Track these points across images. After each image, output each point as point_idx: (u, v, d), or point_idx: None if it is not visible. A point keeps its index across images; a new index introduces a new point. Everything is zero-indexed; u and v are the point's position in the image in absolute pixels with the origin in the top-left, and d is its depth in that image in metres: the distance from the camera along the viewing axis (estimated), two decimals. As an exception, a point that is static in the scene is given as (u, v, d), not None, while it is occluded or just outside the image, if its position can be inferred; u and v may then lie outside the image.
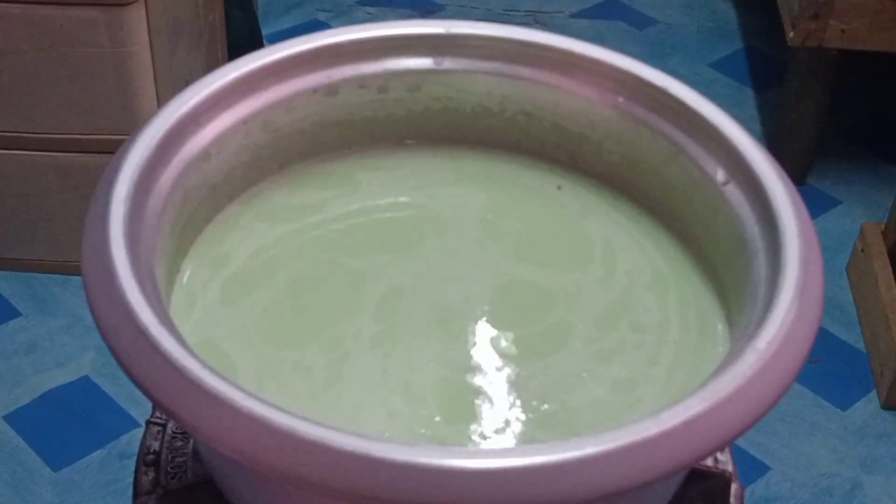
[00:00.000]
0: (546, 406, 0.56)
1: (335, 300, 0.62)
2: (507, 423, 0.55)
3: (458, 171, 0.69)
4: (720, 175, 0.61)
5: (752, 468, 1.22)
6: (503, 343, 0.59)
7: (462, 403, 0.56)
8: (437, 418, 0.55)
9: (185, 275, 0.62)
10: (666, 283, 0.62)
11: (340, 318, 0.60)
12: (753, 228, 0.58)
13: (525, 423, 0.55)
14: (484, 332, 0.60)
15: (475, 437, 0.55)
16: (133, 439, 1.21)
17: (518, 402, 0.56)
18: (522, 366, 0.58)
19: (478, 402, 0.56)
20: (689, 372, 0.58)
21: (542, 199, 0.68)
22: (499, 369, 0.58)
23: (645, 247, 0.65)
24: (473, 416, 0.56)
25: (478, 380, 0.57)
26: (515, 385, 0.57)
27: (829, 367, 1.33)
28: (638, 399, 0.57)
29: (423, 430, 0.55)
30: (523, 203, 0.68)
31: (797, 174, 1.56)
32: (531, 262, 0.64)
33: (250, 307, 0.61)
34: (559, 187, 0.68)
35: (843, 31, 1.40)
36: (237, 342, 0.59)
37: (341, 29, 0.66)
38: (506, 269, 0.64)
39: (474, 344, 0.59)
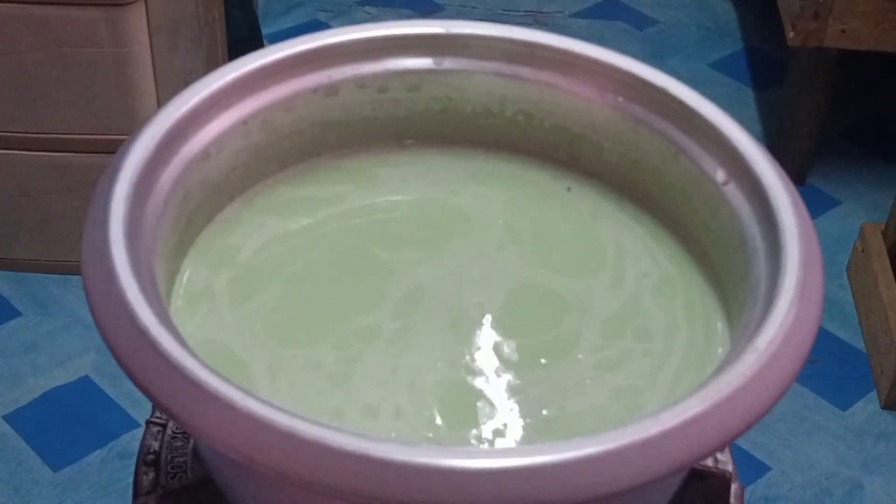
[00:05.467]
0: (546, 411, 0.56)
1: (360, 294, 0.62)
2: (506, 426, 0.55)
3: (471, 169, 0.69)
4: (720, 175, 0.61)
5: (752, 468, 1.22)
6: (510, 349, 0.59)
7: (463, 405, 0.56)
8: (438, 419, 0.55)
9: (186, 274, 0.62)
10: (673, 288, 0.62)
11: (363, 312, 0.60)
12: (753, 228, 0.58)
13: (525, 428, 0.55)
14: (493, 337, 0.60)
15: (473, 440, 0.55)
16: (133, 439, 1.21)
17: (518, 408, 0.56)
18: (527, 371, 0.58)
19: (479, 404, 0.56)
20: (693, 379, 0.58)
21: (555, 201, 0.68)
22: (503, 374, 0.58)
23: (651, 249, 0.65)
24: (473, 418, 0.56)
25: (480, 383, 0.57)
26: (517, 390, 0.57)
27: (829, 367, 1.33)
28: (640, 406, 0.57)
29: (423, 431, 0.55)
30: (539, 204, 0.68)
31: (797, 174, 1.56)
32: (547, 266, 0.64)
33: (260, 304, 0.61)
34: (569, 188, 0.68)
35: (843, 31, 1.40)
36: (246, 340, 0.59)
37: (341, 29, 0.66)
38: (523, 273, 0.64)
39: (480, 348, 0.59)
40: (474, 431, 0.55)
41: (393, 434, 0.55)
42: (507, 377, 0.58)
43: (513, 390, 0.57)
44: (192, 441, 0.66)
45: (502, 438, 0.55)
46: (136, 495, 0.63)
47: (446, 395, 0.57)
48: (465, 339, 0.60)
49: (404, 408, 0.56)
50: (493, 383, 0.57)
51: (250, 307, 0.60)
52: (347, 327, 0.60)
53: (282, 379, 0.57)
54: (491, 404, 0.56)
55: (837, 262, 1.45)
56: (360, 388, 0.57)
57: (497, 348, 0.59)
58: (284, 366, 0.57)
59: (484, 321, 0.61)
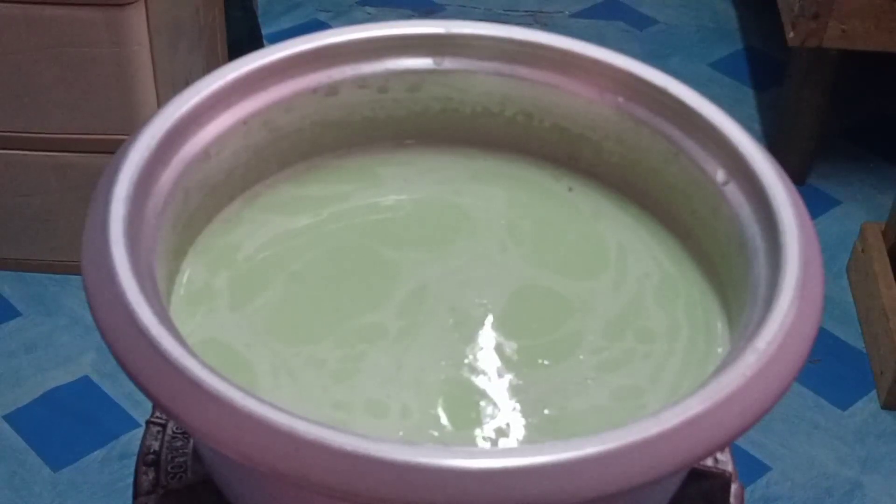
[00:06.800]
0: (548, 411, 0.56)
1: (364, 292, 0.62)
2: (509, 425, 0.55)
3: (472, 169, 0.69)
4: (720, 175, 0.61)
5: (752, 468, 1.22)
6: (513, 349, 0.59)
7: (467, 404, 0.56)
8: (443, 418, 0.56)
9: (187, 273, 0.62)
10: (675, 288, 0.62)
11: (367, 310, 0.61)
12: (753, 228, 0.58)
13: (527, 427, 0.56)
14: (496, 337, 0.60)
15: (476, 439, 0.55)
16: (133, 439, 1.21)
17: (520, 407, 0.56)
18: (530, 372, 0.58)
19: (482, 404, 0.56)
20: (694, 379, 0.58)
21: (557, 201, 0.68)
22: (505, 374, 0.58)
23: (653, 249, 0.65)
24: (477, 418, 0.56)
25: (483, 382, 0.57)
26: (520, 390, 0.57)
27: (829, 367, 1.33)
28: (641, 406, 0.57)
29: (429, 430, 0.55)
30: (540, 204, 0.68)
31: (797, 174, 1.56)
32: (549, 267, 0.64)
33: (263, 302, 0.61)
34: (570, 188, 0.68)
35: (843, 31, 1.40)
36: (247, 338, 0.59)
37: (341, 29, 0.66)
38: (525, 274, 0.64)
39: (484, 348, 0.59)
40: (478, 430, 0.55)
41: (401, 433, 0.55)
42: (510, 377, 0.58)
43: (515, 390, 0.57)
44: (192, 441, 0.66)
45: (505, 438, 0.55)
46: (136, 495, 0.63)
47: (450, 394, 0.57)
48: (469, 338, 0.60)
49: (410, 406, 0.56)
50: (497, 383, 0.58)
51: (252, 306, 0.60)
52: (351, 325, 0.60)
53: (284, 376, 0.57)
54: (494, 404, 0.56)
55: (837, 262, 1.45)
56: (364, 386, 0.57)
57: (500, 349, 0.59)
58: (287, 363, 0.57)
59: (487, 321, 0.61)
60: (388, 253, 0.64)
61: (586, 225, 0.66)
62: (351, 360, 0.58)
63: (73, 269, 1.35)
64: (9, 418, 1.23)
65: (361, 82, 0.66)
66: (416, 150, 0.70)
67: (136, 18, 1.16)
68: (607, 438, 0.46)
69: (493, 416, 0.56)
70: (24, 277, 1.38)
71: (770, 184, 0.58)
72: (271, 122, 0.65)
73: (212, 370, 0.48)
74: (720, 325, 0.60)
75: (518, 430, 0.55)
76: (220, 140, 0.62)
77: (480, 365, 0.58)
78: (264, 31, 1.67)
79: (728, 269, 0.60)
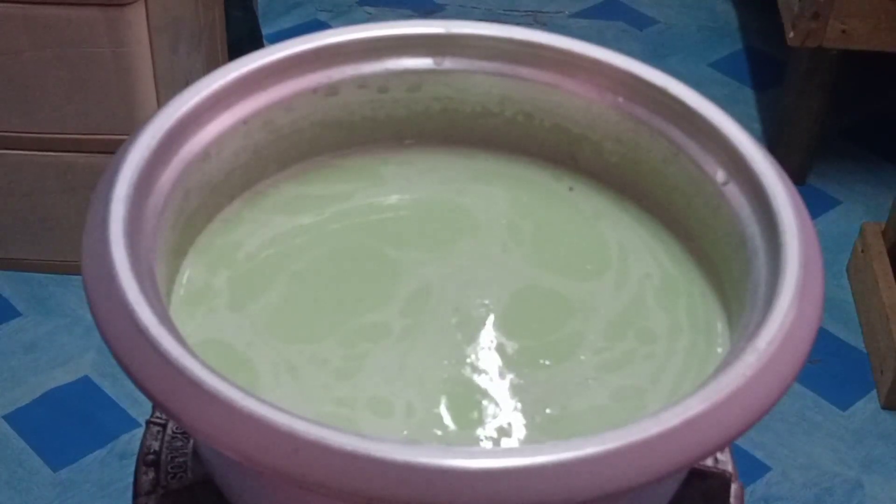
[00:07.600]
0: (549, 410, 0.56)
1: (367, 291, 0.62)
2: (511, 425, 0.56)
3: (472, 169, 0.69)
4: (720, 175, 0.61)
5: (752, 468, 1.22)
6: (515, 349, 0.59)
7: (469, 404, 0.56)
8: (446, 417, 0.56)
9: (187, 273, 0.62)
10: (676, 289, 0.62)
11: (370, 310, 0.61)
12: (753, 228, 0.58)
13: (528, 427, 0.56)
14: (499, 337, 0.60)
15: (478, 438, 0.55)
16: (133, 439, 1.21)
17: (522, 407, 0.56)
18: (531, 372, 0.58)
19: (485, 403, 0.56)
20: (695, 379, 0.58)
21: (558, 201, 0.68)
22: (507, 374, 0.58)
23: (653, 249, 0.65)
24: (479, 417, 0.56)
25: (486, 382, 0.57)
26: (521, 390, 0.57)
27: (829, 367, 1.33)
28: (642, 406, 0.57)
29: (432, 429, 0.55)
30: (542, 204, 0.68)
31: (797, 174, 1.56)
32: (551, 267, 0.64)
33: (265, 301, 0.61)
34: (571, 188, 0.68)
35: (843, 31, 1.40)
36: (249, 337, 0.59)
37: (341, 29, 0.66)
38: (527, 274, 0.64)
39: (486, 348, 0.59)
40: (480, 430, 0.55)
41: (405, 432, 0.55)
42: (511, 377, 0.58)
43: (517, 390, 0.57)
44: (192, 441, 0.66)
45: (507, 437, 0.55)
46: (136, 495, 0.63)
47: (453, 394, 0.57)
48: (471, 338, 0.60)
49: (414, 405, 0.56)
50: (498, 383, 0.58)
51: (253, 305, 0.60)
52: (353, 325, 0.60)
53: (286, 375, 0.57)
54: (496, 403, 0.56)
55: (837, 262, 1.45)
56: (367, 385, 0.57)
57: (502, 349, 0.59)
58: (289, 362, 0.57)
59: (489, 321, 0.61)
60: (390, 252, 0.64)
61: (587, 225, 0.66)
62: (354, 360, 0.58)
63: (73, 269, 1.35)
64: (9, 418, 1.23)
65: (361, 82, 0.66)
66: (417, 150, 0.70)
67: (136, 18, 1.16)
68: (607, 438, 0.46)
69: (494, 416, 0.56)
70: (24, 277, 1.38)
71: (770, 184, 0.58)
72: (271, 122, 0.65)
73: (212, 370, 0.48)
74: (720, 325, 0.60)
75: (519, 430, 0.55)
76: (220, 140, 0.62)
77: (482, 365, 0.58)
78: (264, 31, 1.67)
79: (728, 269, 0.60)
